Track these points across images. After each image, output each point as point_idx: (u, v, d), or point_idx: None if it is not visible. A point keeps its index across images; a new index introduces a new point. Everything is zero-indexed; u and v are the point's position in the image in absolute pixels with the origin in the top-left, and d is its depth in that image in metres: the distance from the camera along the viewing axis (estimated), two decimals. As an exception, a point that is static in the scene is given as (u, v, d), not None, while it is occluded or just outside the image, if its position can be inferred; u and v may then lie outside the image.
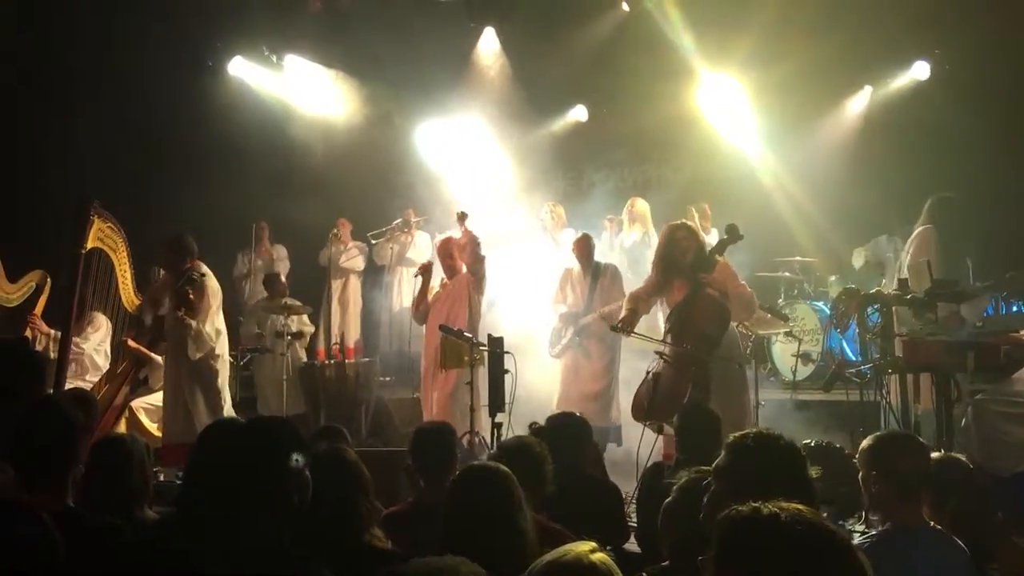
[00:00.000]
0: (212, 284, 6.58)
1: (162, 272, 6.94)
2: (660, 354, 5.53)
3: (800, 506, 1.55)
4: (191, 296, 6.37)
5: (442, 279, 7.25)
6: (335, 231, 9.41)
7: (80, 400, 4.28)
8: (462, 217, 7.25)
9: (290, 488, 2.32)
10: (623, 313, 5.91)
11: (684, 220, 6.21)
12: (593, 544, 1.71)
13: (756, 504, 1.55)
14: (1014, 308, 7.34)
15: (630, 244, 8.35)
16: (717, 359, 5.37)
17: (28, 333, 6.87)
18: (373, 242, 9.65)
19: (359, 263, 10.04)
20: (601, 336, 7.10)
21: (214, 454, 2.38)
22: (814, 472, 2.37)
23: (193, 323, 6.37)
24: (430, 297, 7.20)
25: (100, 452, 3.35)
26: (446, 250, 7.22)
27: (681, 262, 5.70)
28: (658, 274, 5.88)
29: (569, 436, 4.15)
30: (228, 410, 6.58)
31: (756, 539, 1.52)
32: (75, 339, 6.79)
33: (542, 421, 6.73)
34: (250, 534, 2.20)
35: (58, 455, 2.85)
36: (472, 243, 7.05)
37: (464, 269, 7.07)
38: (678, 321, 5.54)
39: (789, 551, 1.49)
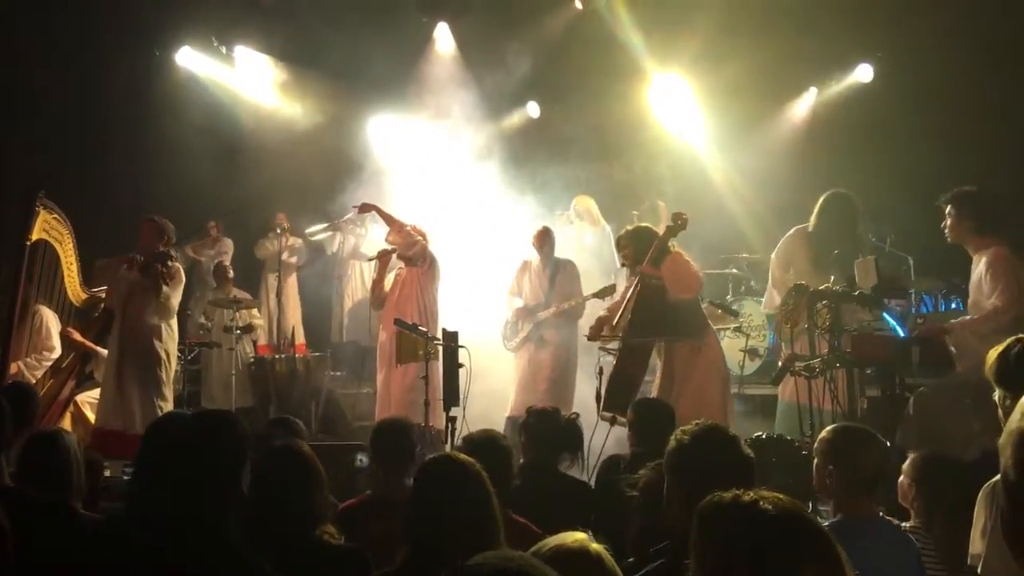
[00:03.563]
0: (180, 273, 6.69)
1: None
2: (606, 350, 5.69)
3: (780, 495, 1.60)
4: (168, 266, 6.42)
5: (399, 268, 7.24)
6: (282, 226, 9.27)
7: (18, 393, 4.21)
8: (363, 209, 7.30)
9: (240, 483, 2.31)
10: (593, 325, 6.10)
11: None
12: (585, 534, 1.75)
13: (737, 491, 1.60)
14: (952, 305, 7.60)
15: (591, 242, 8.40)
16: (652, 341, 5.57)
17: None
18: (313, 239, 9.64)
19: (301, 258, 9.99)
20: (559, 330, 7.17)
21: (165, 449, 2.32)
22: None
23: (166, 287, 6.38)
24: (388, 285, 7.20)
25: (33, 448, 3.28)
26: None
27: (629, 266, 5.95)
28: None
29: (542, 432, 4.20)
30: (167, 407, 6.44)
31: (735, 524, 1.56)
32: (42, 356, 6.77)
33: (497, 416, 6.80)
34: (199, 530, 2.19)
35: None
36: (403, 233, 7.05)
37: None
38: (620, 315, 5.82)
39: (768, 536, 1.53)
